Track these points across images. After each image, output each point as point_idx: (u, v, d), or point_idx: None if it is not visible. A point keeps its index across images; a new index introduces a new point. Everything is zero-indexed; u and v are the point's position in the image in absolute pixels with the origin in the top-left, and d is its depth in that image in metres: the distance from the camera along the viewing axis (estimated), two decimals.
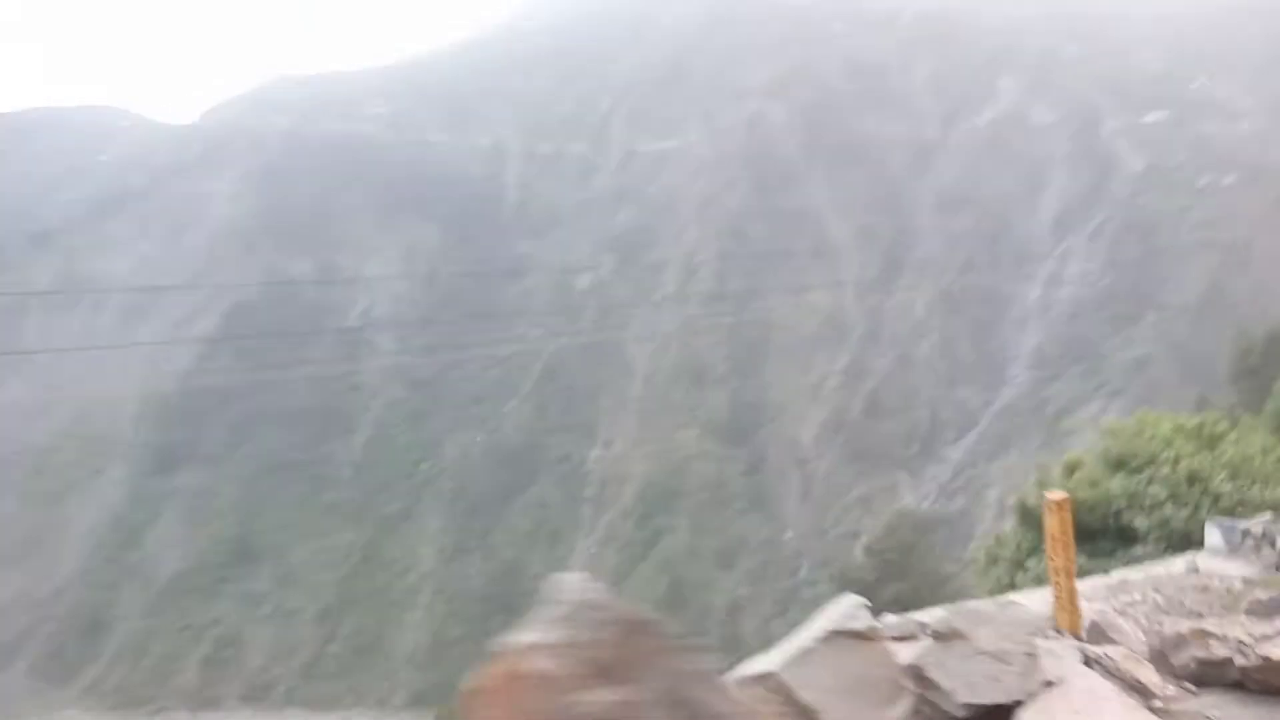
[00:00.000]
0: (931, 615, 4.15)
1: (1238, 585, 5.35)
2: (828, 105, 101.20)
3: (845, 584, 33.72)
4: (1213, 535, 7.11)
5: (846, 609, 3.28)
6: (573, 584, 2.18)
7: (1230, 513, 12.43)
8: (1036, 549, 14.21)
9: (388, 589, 67.58)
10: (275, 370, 74.43)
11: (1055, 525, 4.36)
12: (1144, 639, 4.05)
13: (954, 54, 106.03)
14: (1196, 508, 12.77)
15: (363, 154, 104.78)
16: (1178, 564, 6.26)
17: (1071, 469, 15.38)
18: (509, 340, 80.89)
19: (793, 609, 58.04)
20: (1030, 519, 14.75)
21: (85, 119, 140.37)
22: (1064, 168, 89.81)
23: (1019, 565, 14.41)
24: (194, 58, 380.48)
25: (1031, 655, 3.10)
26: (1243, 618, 4.39)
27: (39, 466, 78.41)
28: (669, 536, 66.67)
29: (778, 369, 77.48)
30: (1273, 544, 6.16)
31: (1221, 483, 13.04)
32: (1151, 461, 13.77)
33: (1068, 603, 4.36)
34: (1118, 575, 6.01)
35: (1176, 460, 13.58)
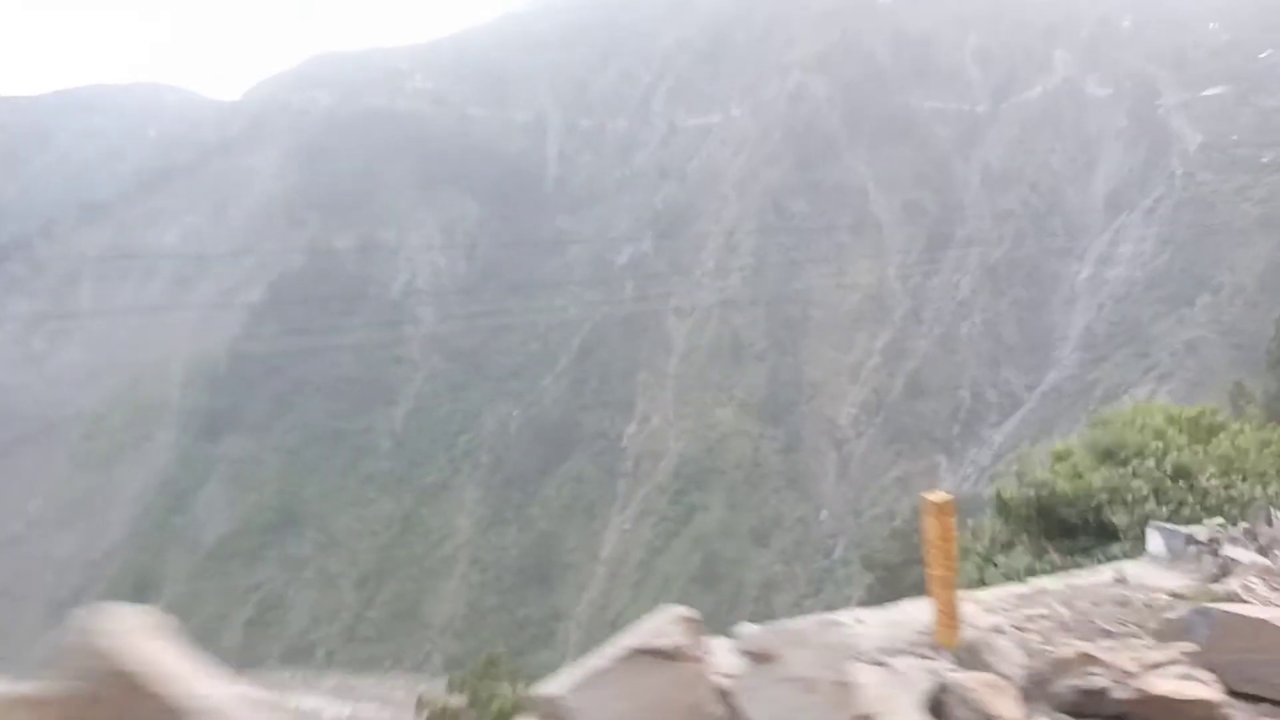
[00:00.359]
0: (748, 632, 3.74)
1: (1163, 599, 4.88)
2: (873, 79, 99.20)
3: (869, 566, 33.40)
4: (1154, 541, 6.39)
5: (659, 623, 2.83)
6: (92, 627, 1.69)
7: (1218, 511, 11.81)
8: (1011, 543, 13.68)
9: (425, 558, 68.60)
10: (319, 341, 75.59)
11: (934, 530, 3.92)
12: (1026, 662, 3.62)
13: (1005, 26, 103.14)
14: (1180, 504, 12.02)
15: (405, 129, 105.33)
16: (1105, 572, 5.70)
17: (1060, 458, 14.68)
18: (547, 314, 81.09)
19: (826, 589, 57.77)
20: (1006, 511, 14.16)
21: (135, 96, 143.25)
22: (1118, 143, 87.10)
23: (988, 560, 13.84)
24: (241, 34, 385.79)
25: (843, 684, 2.71)
26: (1145, 640, 3.99)
27: (91, 431, 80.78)
28: (703, 513, 66.63)
29: (817, 347, 76.65)
30: (1215, 554, 5.59)
31: (1210, 478, 12.30)
32: (1139, 454, 13.11)
33: (947, 618, 3.95)
34: (1035, 584, 5.54)
35: (1164, 453, 12.91)
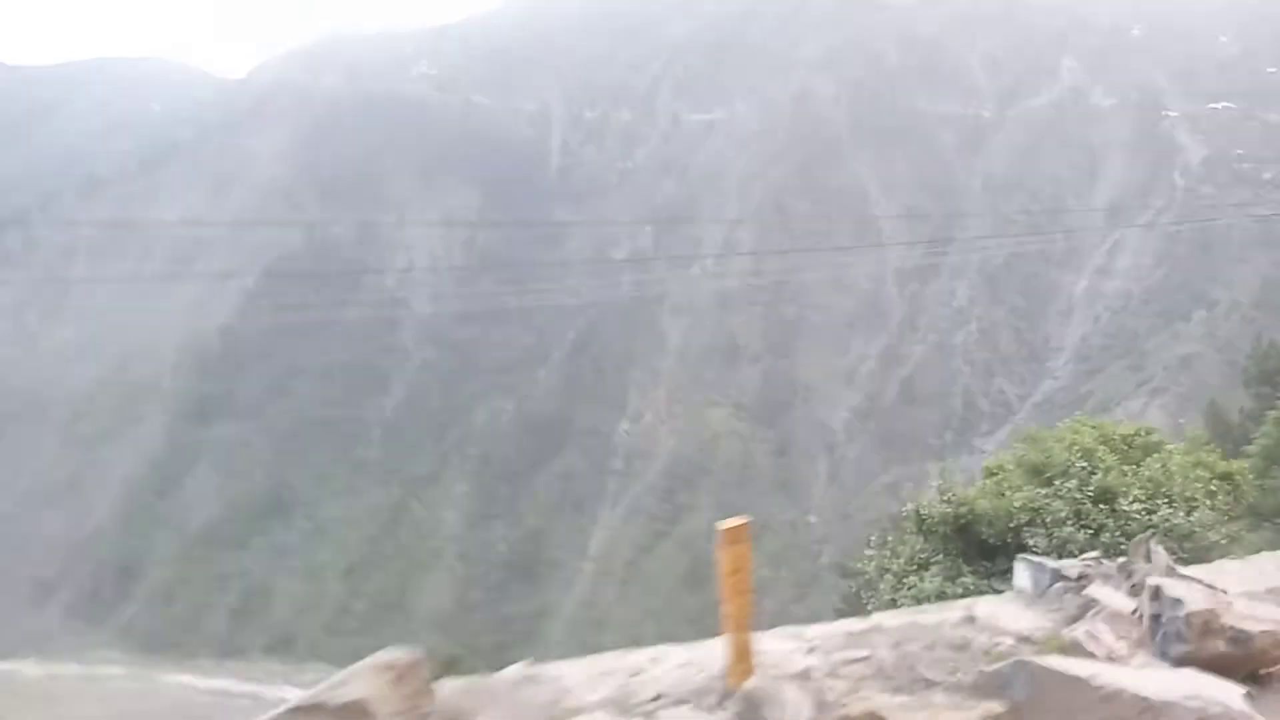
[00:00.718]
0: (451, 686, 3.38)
1: (1007, 644, 4.48)
2: (879, 80, 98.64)
3: (846, 575, 33.17)
4: (1020, 575, 5.81)
5: (351, 672, 2.58)
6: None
7: (1145, 535, 11.31)
8: (928, 563, 13.15)
9: (412, 550, 68.57)
10: (313, 326, 75.32)
11: (727, 562, 3.58)
12: (810, 717, 3.36)
13: (1014, 31, 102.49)
14: (1100, 529, 11.55)
15: (408, 114, 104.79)
16: (955, 609, 5.22)
17: (990, 473, 14.08)
18: (543, 306, 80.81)
19: (813, 593, 57.72)
20: (925, 528, 13.54)
21: (140, 70, 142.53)
22: (1122, 154, 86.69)
23: (901, 580, 13.28)
24: (251, 11, 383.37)
25: None
26: (959, 695, 3.69)
27: (80, 411, 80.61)
28: (692, 514, 66.50)
29: (812, 350, 76.43)
30: (1080, 591, 5.12)
31: (1133, 501, 11.74)
32: (1064, 473, 12.40)
33: (740, 660, 3.62)
34: (874, 619, 5.05)
35: (1090, 474, 12.26)
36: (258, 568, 66.97)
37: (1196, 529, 11.60)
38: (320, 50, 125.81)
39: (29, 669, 59.15)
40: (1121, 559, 5.35)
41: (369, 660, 2.70)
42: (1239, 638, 3.87)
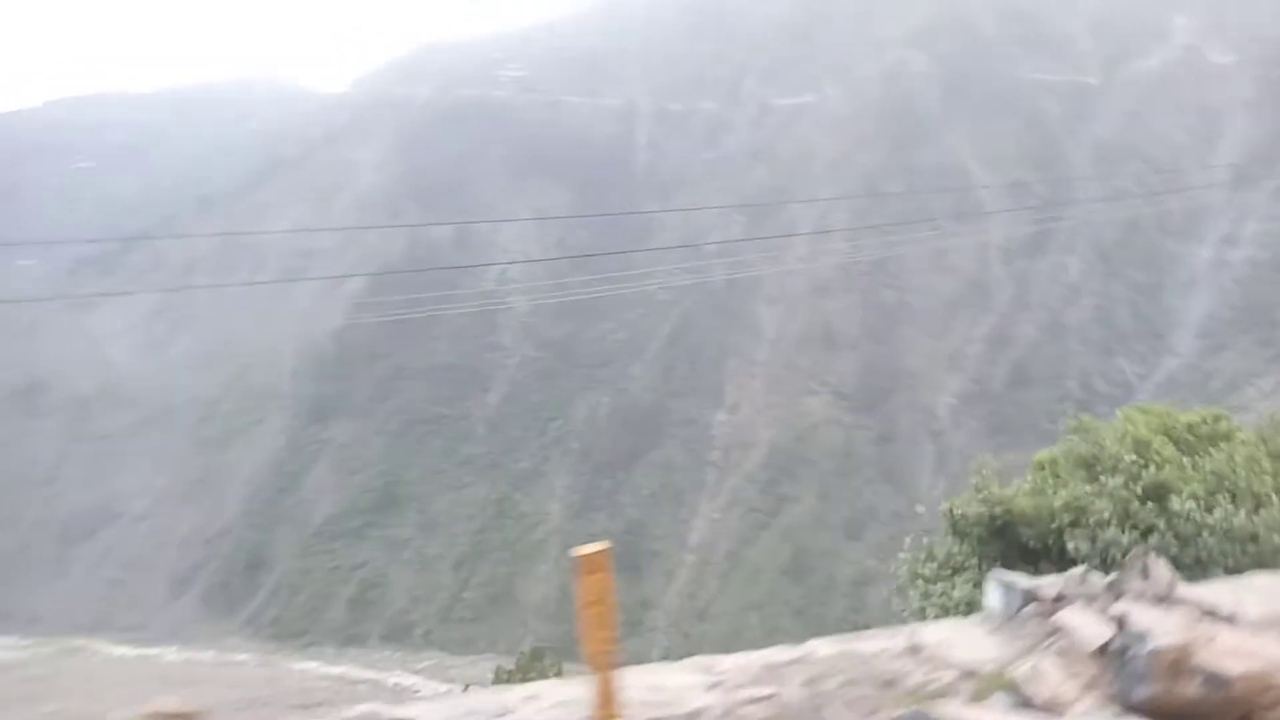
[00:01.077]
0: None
1: (946, 680, 3.86)
2: (975, 52, 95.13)
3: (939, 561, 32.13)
4: (992, 595, 4.87)
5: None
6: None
7: (1193, 539, 9.91)
8: (962, 568, 11.87)
9: (518, 542, 70.04)
10: (417, 328, 77.80)
11: (586, 592, 3.17)
12: None
13: None
14: (1148, 531, 10.24)
15: (498, 117, 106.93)
16: (900, 636, 4.44)
17: (1039, 468, 12.35)
18: (636, 301, 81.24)
19: None
20: (959, 529, 11.90)
21: (244, 90, 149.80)
22: (1244, 115, 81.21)
23: (929, 587, 12.16)
24: (347, 26, 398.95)
25: None
26: None
27: (206, 415, 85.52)
28: (794, 504, 65.83)
29: (913, 334, 74.45)
30: (1050, 616, 4.23)
31: (1186, 500, 10.27)
32: (1114, 468, 11.06)
33: (603, 704, 3.21)
34: (806, 647, 4.35)
35: (1141, 468, 10.84)
36: (374, 560, 69.69)
37: (1260, 530, 10.18)
38: (413, 61, 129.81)
39: (170, 654, 63.41)
40: (1111, 575, 4.51)
41: (141, 710, 2.61)
42: (1214, 680, 3.20)
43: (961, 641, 4.42)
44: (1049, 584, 4.67)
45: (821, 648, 4.50)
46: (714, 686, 3.98)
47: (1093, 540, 10.46)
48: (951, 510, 12.25)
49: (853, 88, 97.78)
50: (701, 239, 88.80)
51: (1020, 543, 11.36)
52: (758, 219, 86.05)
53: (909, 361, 72.92)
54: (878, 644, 4.51)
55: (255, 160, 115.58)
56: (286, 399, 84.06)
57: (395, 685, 54.43)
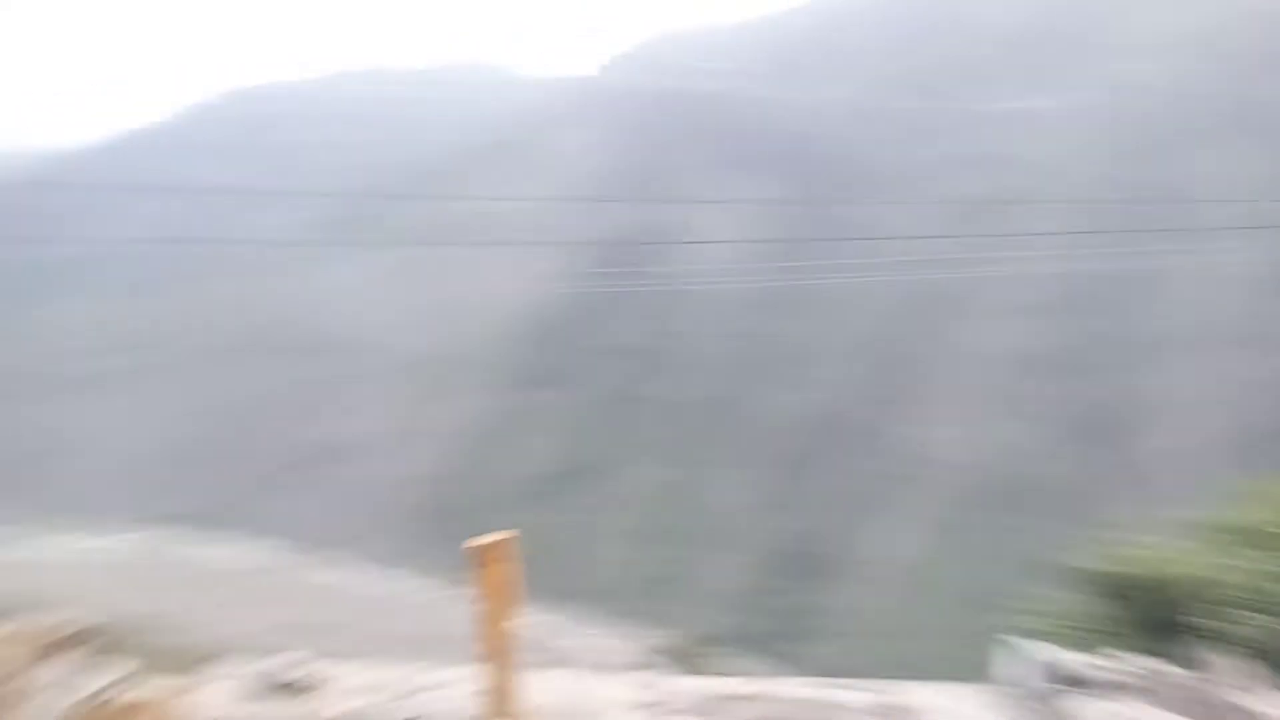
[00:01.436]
0: None
1: None
2: (1222, 67, 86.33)
3: None
4: (1000, 662, 4.10)
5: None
6: None
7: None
8: (1100, 634, 10.25)
9: (696, 528, 71.14)
10: (620, 309, 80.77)
11: (481, 584, 2.92)
12: None
13: None
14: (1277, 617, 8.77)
15: (713, 109, 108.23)
16: (887, 693, 3.72)
17: (1202, 531, 10.86)
18: (841, 304, 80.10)
19: None
20: (1075, 587, 10.80)
21: (477, 73, 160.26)
22: None
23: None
24: (579, 16, 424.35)
25: None
26: None
27: (427, 372, 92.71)
28: (981, 533, 62.85)
29: (1153, 363, 68.78)
30: (1060, 695, 3.50)
31: None
32: (1267, 541, 9.61)
33: (498, 700, 2.91)
34: (768, 685, 3.80)
35: None
36: (566, 525, 73.05)
37: None
38: (637, 52, 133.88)
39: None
40: (1160, 661, 3.54)
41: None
42: None
43: (952, 710, 4.10)
44: (1076, 661, 4.26)
45: (785, 688, 4.22)
46: (646, 706, 3.83)
47: (1216, 618, 9.23)
48: (1070, 565, 11.61)
49: (1090, 94, 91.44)
50: (911, 244, 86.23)
51: (1146, 610, 10.22)
52: (980, 227, 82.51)
53: (1150, 394, 67.58)
54: (854, 695, 4.22)
55: (482, 138, 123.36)
56: (495, 367, 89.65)
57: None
